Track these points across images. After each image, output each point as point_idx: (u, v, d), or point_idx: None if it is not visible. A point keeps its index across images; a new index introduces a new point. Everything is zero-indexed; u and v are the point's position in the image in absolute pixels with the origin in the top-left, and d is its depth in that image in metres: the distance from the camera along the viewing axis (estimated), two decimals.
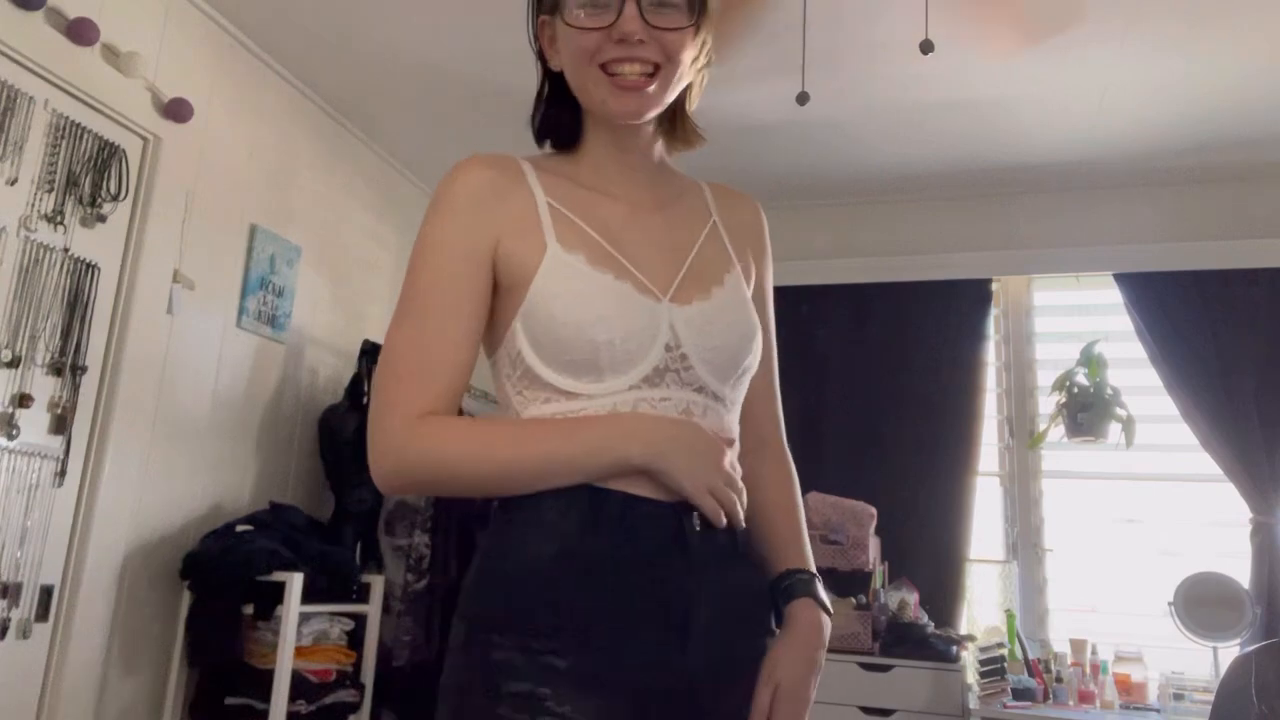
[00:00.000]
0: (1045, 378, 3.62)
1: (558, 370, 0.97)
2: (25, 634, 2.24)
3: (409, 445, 0.96)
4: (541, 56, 1.09)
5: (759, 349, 1.08)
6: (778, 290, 1.25)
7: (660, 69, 1.00)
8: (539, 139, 1.12)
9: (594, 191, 1.07)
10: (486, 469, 0.97)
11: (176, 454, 2.69)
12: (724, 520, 0.99)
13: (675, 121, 1.12)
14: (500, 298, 1.02)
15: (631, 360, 0.97)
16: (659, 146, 1.13)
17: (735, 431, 1.06)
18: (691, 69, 1.06)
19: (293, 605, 2.56)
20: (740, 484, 1.03)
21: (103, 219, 2.46)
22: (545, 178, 1.05)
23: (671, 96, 1.04)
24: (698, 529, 0.97)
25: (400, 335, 1.00)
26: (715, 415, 1.02)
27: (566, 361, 0.97)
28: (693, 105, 1.12)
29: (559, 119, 1.10)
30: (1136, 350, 3.47)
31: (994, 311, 3.75)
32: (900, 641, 3.16)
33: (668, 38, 0.99)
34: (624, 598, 0.94)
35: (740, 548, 1.03)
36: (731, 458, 1.02)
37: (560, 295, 0.97)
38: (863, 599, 3.29)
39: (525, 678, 0.90)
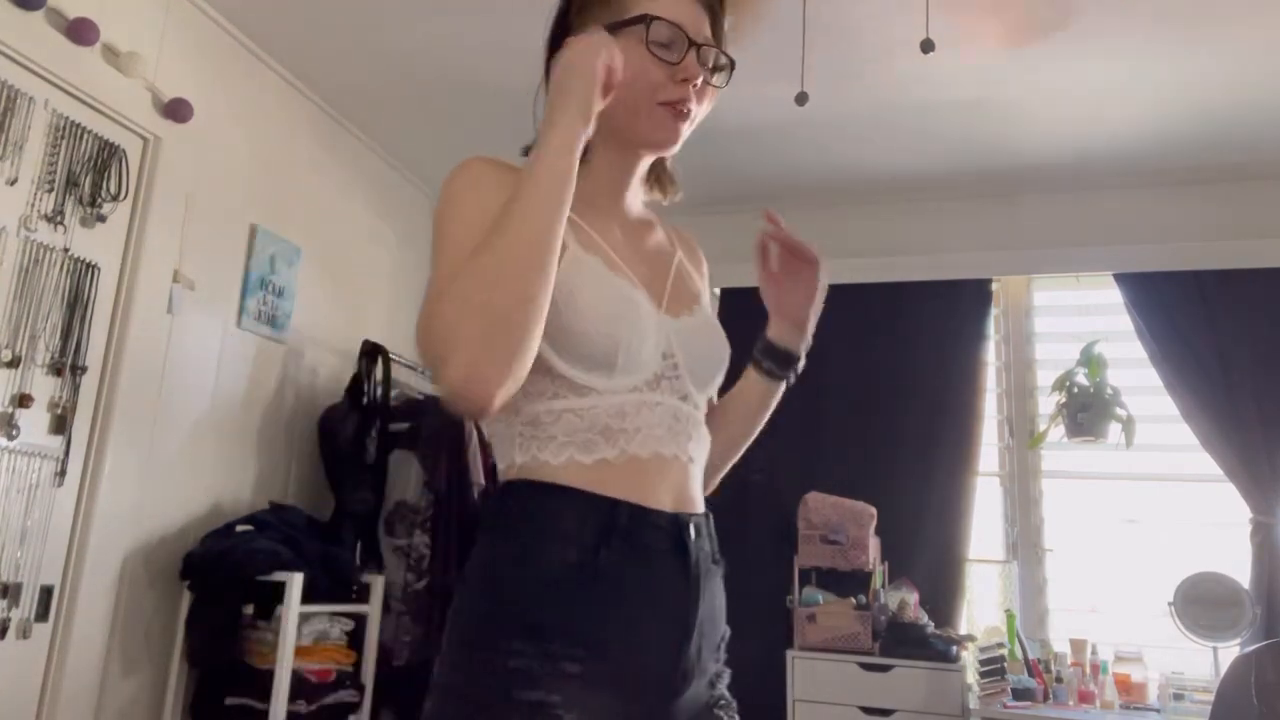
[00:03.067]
0: (1045, 378, 3.62)
1: (571, 363, 1.01)
2: (25, 634, 2.24)
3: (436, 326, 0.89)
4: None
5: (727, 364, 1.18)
6: None
7: (690, 121, 1.12)
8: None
9: (592, 206, 1.12)
10: (513, 268, 0.89)
11: (176, 454, 2.69)
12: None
13: (662, 169, 1.24)
14: None
15: (639, 363, 1.04)
16: (641, 182, 1.21)
17: (706, 437, 1.14)
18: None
19: (293, 605, 2.56)
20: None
21: (103, 219, 2.46)
22: None
23: (679, 145, 1.14)
24: (694, 538, 1.04)
25: (438, 269, 0.96)
26: (694, 422, 1.10)
27: (584, 355, 1.00)
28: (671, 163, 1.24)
29: None
30: (1136, 350, 3.47)
31: (994, 311, 3.75)
32: (900, 641, 3.16)
33: (707, 95, 1.12)
34: (636, 604, 0.99)
35: (718, 555, 1.11)
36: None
37: (583, 292, 1.01)
38: (863, 599, 3.30)
39: (540, 685, 0.93)
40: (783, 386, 1.27)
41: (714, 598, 1.07)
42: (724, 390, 1.24)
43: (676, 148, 1.14)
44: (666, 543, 1.02)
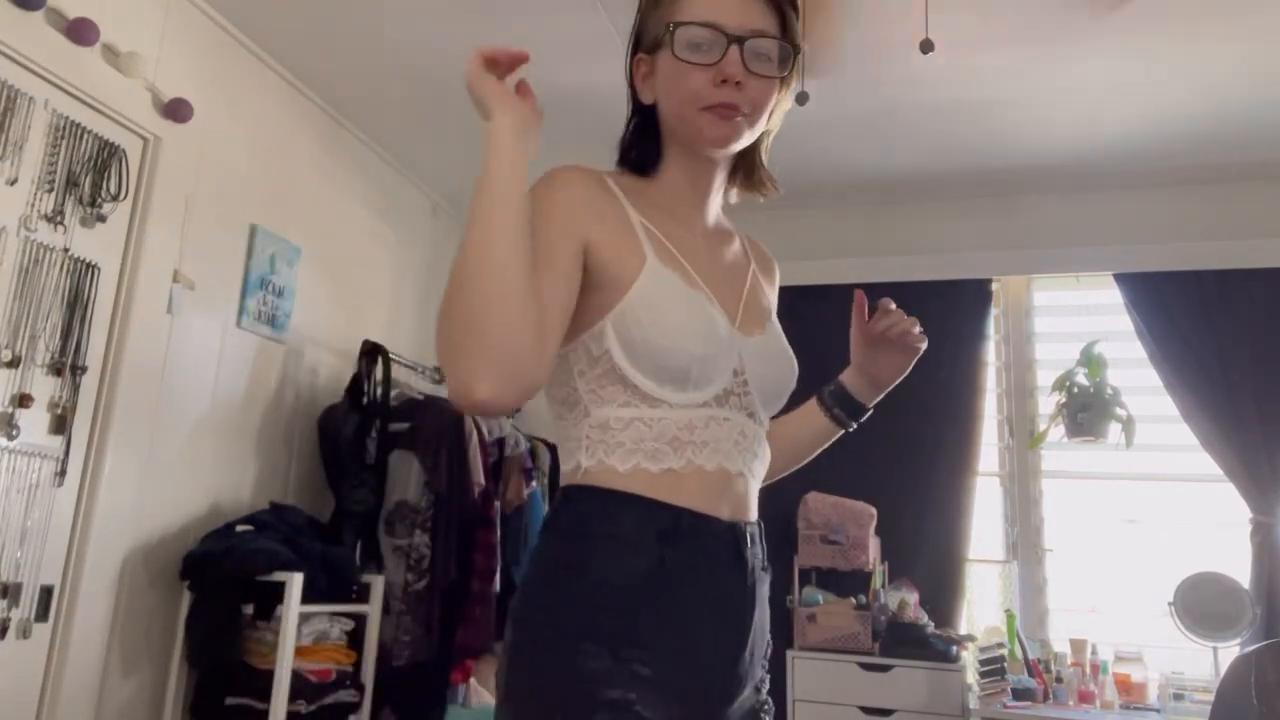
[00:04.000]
0: (1045, 378, 3.62)
1: (646, 374, 1.02)
2: (25, 634, 2.24)
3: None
4: (633, 90, 1.18)
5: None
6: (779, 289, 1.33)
7: (746, 116, 1.09)
8: (622, 165, 1.19)
9: (671, 216, 1.14)
10: (476, 266, 0.93)
11: (176, 454, 2.69)
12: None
13: (751, 169, 1.22)
14: (587, 295, 1.04)
15: (710, 379, 1.05)
16: (721, 192, 1.21)
17: (768, 454, 1.15)
18: (774, 117, 1.16)
19: (293, 605, 2.56)
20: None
21: (103, 219, 2.46)
22: (629, 196, 1.12)
23: (751, 139, 1.13)
24: (749, 546, 1.07)
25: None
26: (759, 439, 1.12)
27: (659, 368, 1.02)
28: (766, 155, 1.22)
29: (646, 151, 1.17)
30: (1136, 350, 3.47)
31: (994, 311, 3.75)
32: (900, 641, 3.16)
33: (758, 86, 1.08)
34: (698, 611, 1.01)
35: (766, 562, 1.12)
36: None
37: (661, 306, 1.03)
38: (863, 599, 3.30)
39: (618, 684, 0.94)
40: (841, 431, 1.33)
41: (765, 605, 1.10)
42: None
43: (737, 144, 1.12)
44: (726, 551, 1.04)
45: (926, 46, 2.30)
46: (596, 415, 1.02)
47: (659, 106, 1.14)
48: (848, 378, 1.33)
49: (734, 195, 1.24)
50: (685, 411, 1.03)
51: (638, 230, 1.08)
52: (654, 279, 1.04)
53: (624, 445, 1.01)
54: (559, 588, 0.99)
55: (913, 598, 3.30)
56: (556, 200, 1.04)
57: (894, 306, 1.28)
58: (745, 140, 1.12)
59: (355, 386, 3.20)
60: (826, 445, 1.35)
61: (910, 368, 1.32)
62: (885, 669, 3.12)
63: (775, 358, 1.15)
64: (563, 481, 1.07)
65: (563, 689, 0.95)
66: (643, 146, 1.17)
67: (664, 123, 1.15)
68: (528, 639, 0.99)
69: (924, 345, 1.30)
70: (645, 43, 1.15)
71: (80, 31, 2.34)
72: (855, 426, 1.34)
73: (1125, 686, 3.10)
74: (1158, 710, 3.02)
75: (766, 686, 1.13)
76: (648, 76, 1.15)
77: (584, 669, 0.94)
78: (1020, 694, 3.02)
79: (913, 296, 3.73)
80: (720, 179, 1.19)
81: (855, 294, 1.29)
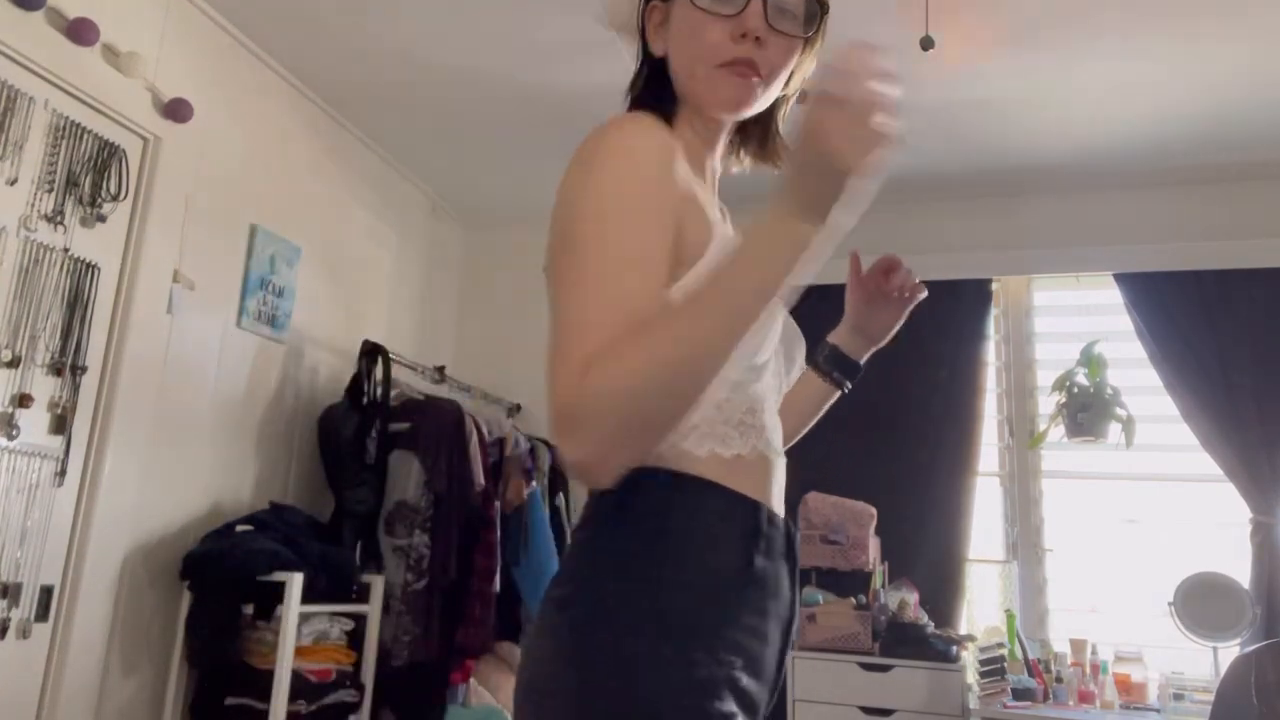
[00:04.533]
0: (1045, 378, 3.62)
1: None
2: (25, 634, 2.24)
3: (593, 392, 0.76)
4: (643, 39, 1.08)
5: None
6: None
7: (763, 79, 1.00)
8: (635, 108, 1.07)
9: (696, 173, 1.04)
10: (687, 366, 0.77)
11: (176, 454, 2.69)
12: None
13: (765, 136, 1.13)
14: None
15: (765, 352, 0.98)
16: (720, 154, 1.11)
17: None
18: (794, 81, 1.07)
19: (293, 605, 2.56)
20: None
21: (103, 219, 2.46)
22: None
23: (764, 105, 1.04)
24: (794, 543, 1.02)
25: (586, 296, 0.81)
26: (778, 407, 1.07)
27: None
28: (783, 123, 1.14)
29: (664, 103, 1.06)
30: (1136, 350, 3.47)
31: (994, 311, 3.75)
32: (900, 641, 3.16)
33: (779, 45, 0.99)
34: (771, 610, 0.94)
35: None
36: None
37: None
38: (863, 599, 3.30)
39: (726, 696, 0.85)
40: (837, 395, 1.30)
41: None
42: None
43: (750, 109, 1.02)
44: (784, 547, 0.97)
45: (926, 43, 2.30)
46: None
47: (670, 60, 1.04)
48: (839, 338, 1.29)
49: (746, 163, 1.15)
50: (751, 388, 0.96)
51: (696, 190, 0.97)
52: (720, 246, 0.93)
53: (698, 428, 0.92)
54: (648, 584, 0.87)
55: (913, 598, 3.30)
56: (662, 181, 0.87)
57: (901, 260, 1.25)
58: (759, 106, 1.03)
59: (355, 386, 3.20)
60: (821, 413, 1.31)
61: (903, 321, 1.29)
62: (885, 669, 3.12)
63: (791, 328, 1.10)
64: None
65: (674, 699, 0.83)
66: (660, 98, 1.05)
67: (674, 77, 1.04)
68: (606, 642, 0.85)
69: (925, 294, 1.28)
70: None
71: (80, 31, 2.34)
72: (850, 388, 1.31)
73: (1125, 686, 3.10)
74: (1158, 710, 3.02)
75: None
76: (660, 25, 1.05)
77: (694, 679, 0.84)
78: (1020, 694, 3.02)
79: None
80: (724, 140, 1.09)
81: (850, 252, 1.26)
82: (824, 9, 1.02)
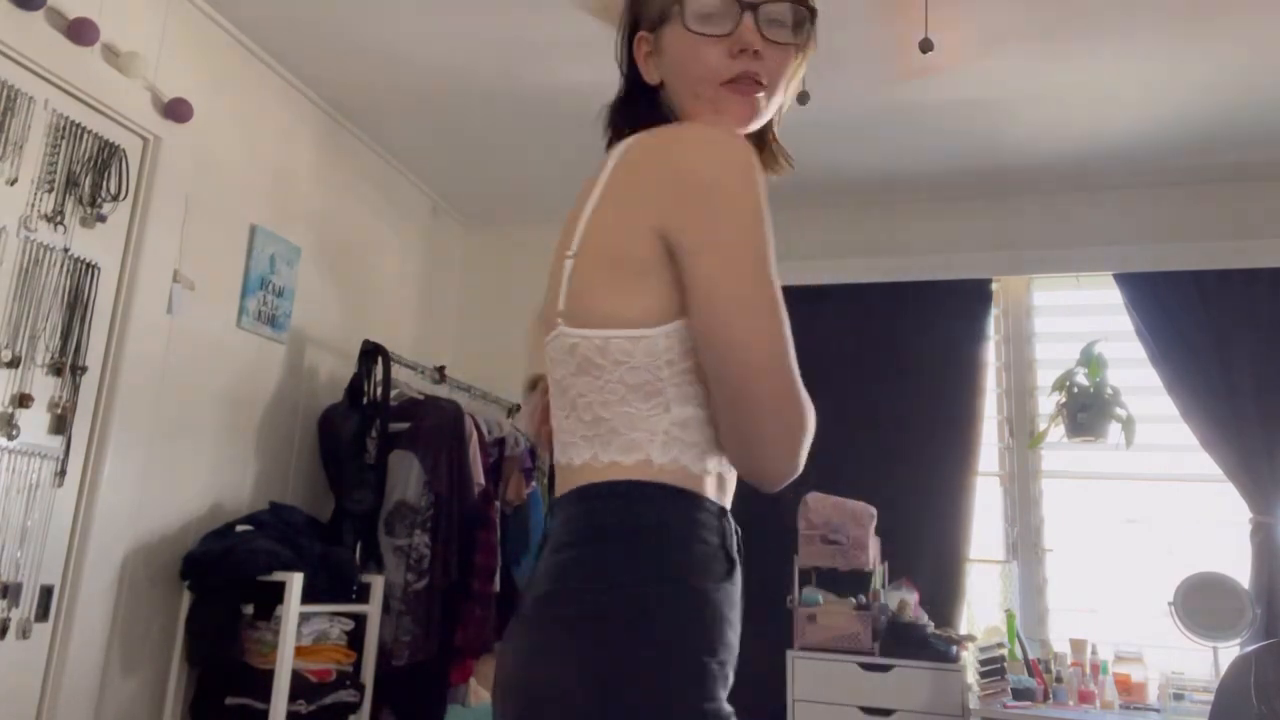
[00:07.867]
0: (1045, 378, 3.62)
1: None
2: (25, 634, 2.24)
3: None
4: (633, 70, 1.10)
5: None
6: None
7: (765, 89, 1.03)
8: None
9: None
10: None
11: (176, 454, 2.69)
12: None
13: (762, 143, 1.15)
14: (674, 286, 0.98)
15: None
16: None
17: None
18: (790, 88, 1.09)
19: (293, 605, 2.56)
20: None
21: (103, 219, 2.46)
22: None
23: (770, 114, 1.07)
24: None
25: (779, 323, 0.93)
26: None
27: None
28: (778, 129, 1.17)
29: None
30: (1136, 350, 3.47)
31: (994, 311, 3.75)
32: (900, 641, 3.16)
33: (775, 55, 1.02)
34: (740, 603, 0.98)
35: None
36: None
37: None
38: (863, 599, 3.30)
39: (721, 694, 0.91)
40: None
41: None
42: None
43: (759, 121, 1.06)
44: (740, 545, 1.01)
45: (926, 45, 2.30)
46: (679, 412, 0.95)
47: (668, 86, 1.07)
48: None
49: None
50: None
51: None
52: None
53: (699, 445, 0.96)
54: (698, 603, 0.91)
55: (913, 598, 3.30)
56: (764, 210, 0.94)
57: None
58: (766, 116, 1.06)
59: (355, 386, 3.20)
60: None
61: None
62: (885, 669, 3.12)
63: None
64: (614, 475, 0.95)
65: (699, 708, 0.87)
66: (652, 120, 1.07)
67: (677, 102, 1.06)
68: (630, 653, 0.87)
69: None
70: (647, 18, 1.08)
71: (80, 31, 2.34)
72: None
73: (1125, 686, 3.11)
74: (1158, 710, 3.02)
75: None
76: (650, 55, 1.08)
77: (705, 684, 0.88)
78: (1020, 694, 3.02)
79: (912, 296, 3.79)
80: None
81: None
82: (812, 14, 1.05)
